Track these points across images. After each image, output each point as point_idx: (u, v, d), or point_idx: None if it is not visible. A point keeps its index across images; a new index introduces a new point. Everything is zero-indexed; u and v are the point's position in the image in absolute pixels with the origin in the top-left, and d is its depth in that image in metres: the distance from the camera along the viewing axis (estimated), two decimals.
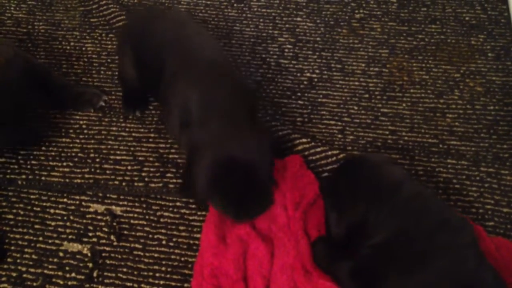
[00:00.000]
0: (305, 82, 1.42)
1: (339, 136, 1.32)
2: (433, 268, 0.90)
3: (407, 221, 0.96)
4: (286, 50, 1.49)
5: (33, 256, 1.14)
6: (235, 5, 1.59)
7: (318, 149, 1.25)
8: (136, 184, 1.23)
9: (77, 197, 1.22)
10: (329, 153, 1.24)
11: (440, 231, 0.93)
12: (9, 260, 1.13)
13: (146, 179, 1.24)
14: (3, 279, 1.11)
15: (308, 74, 1.44)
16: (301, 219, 1.12)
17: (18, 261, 1.13)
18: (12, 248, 1.15)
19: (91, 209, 1.20)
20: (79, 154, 1.28)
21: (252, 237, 1.10)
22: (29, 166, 1.26)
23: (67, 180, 1.24)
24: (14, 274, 1.12)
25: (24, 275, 1.12)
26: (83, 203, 1.21)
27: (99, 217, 1.19)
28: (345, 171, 1.10)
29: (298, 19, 1.56)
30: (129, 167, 1.26)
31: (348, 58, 1.47)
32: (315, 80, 1.42)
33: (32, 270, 1.12)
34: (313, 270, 1.04)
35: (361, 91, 1.40)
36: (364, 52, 1.48)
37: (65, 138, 1.30)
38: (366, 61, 1.46)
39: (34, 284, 1.11)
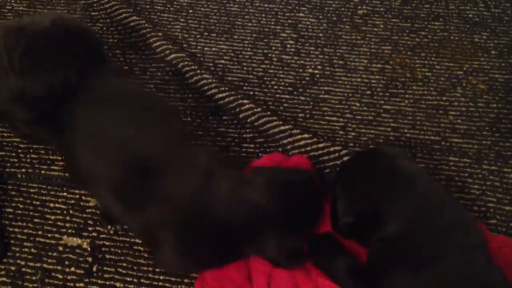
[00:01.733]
0: (307, 78, 1.41)
1: (341, 132, 1.31)
2: (442, 266, 0.89)
3: (420, 216, 0.94)
4: (288, 45, 1.48)
5: (32, 250, 1.13)
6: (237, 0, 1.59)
7: (320, 145, 1.24)
8: None
9: (77, 191, 1.21)
10: (331, 149, 1.23)
11: (452, 230, 0.92)
12: (8, 254, 1.12)
13: None
14: (2, 272, 1.10)
15: (310, 70, 1.43)
16: None
17: (17, 255, 1.12)
18: (12, 242, 1.14)
19: (91, 203, 1.19)
20: None
21: None
22: (28, 160, 1.25)
23: (67, 174, 1.23)
24: (13, 268, 1.11)
25: (23, 269, 1.11)
26: (83, 197, 1.20)
27: (99, 211, 1.18)
28: (361, 159, 1.09)
29: (301, 14, 1.55)
30: None
31: (351, 54, 1.46)
32: (317, 76, 1.42)
33: (31, 264, 1.12)
34: (312, 268, 1.03)
35: (363, 88, 1.39)
36: (366, 49, 1.47)
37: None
38: (368, 57, 1.45)
39: (33, 278, 1.10)
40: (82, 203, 1.19)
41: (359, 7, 1.57)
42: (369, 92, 1.38)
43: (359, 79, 1.41)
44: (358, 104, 1.36)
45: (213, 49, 1.47)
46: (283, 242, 1.00)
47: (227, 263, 1.04)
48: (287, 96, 1.38)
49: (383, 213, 0.96)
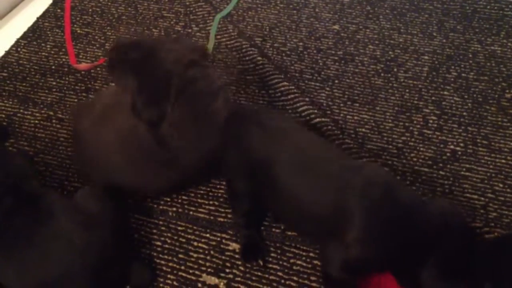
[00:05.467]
0: (448, 154, 1.42)
1: (481, 211, 1.29)
2: None
3: None
4: (431, 121, 1.51)
5: (175, 283, 1.22)
6: (382, 74, 1.66)
7: None
8: (273, 230, 1.29)
9: (219, 234, 1.30)
10: (471, 225, 1.22)
11: None
12: (153, 283, 1.22)
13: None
14: None
15: (451, 147, 1.44)
16: None
17: (161, 285, 1.22)
18: (157, 272, 1.25)
19: (230, 247, 1.27)
20: (225, 195, 1.37)
21: None
22: (180, 200, 1.38)
23: (212, 218, 1.33)
24: None
25: None
26: (223, 241, 1.29)
27: (236, 256, 1.26)
28: (505, 244, 1.06)
29: (445, 92, 1.58)
30: None
31: (496, 135, 1.45)
32: (459, 153, 1.42)
33: None
34: None
35: (508, 170, 1.36)
36: None
37: (214, 179, 1.41)
38: None
39: None
40: (222, 246, 1.28)
41: (507, 91, 1.56)
42: None
43: (503, 161, 1.39)
44: (501, 185, 1.33)
45: (355, 117, 1.54)
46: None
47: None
48: (426, 169, 1.39)
49: None
